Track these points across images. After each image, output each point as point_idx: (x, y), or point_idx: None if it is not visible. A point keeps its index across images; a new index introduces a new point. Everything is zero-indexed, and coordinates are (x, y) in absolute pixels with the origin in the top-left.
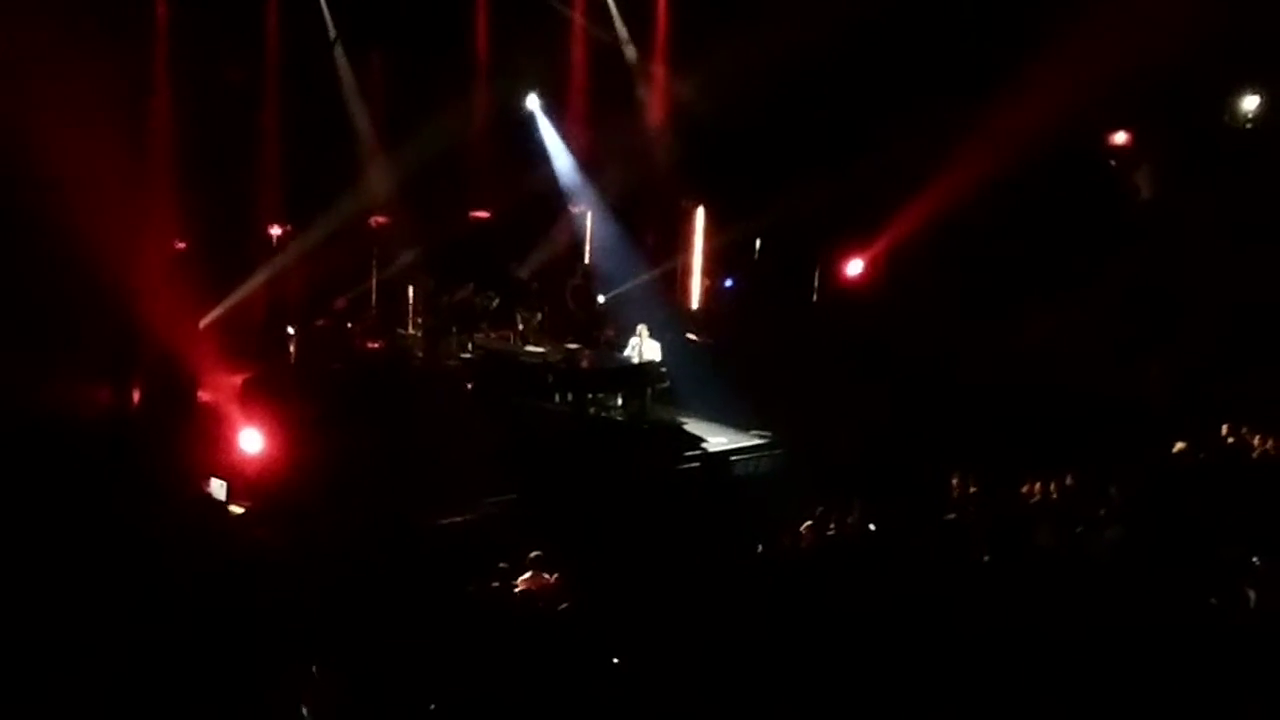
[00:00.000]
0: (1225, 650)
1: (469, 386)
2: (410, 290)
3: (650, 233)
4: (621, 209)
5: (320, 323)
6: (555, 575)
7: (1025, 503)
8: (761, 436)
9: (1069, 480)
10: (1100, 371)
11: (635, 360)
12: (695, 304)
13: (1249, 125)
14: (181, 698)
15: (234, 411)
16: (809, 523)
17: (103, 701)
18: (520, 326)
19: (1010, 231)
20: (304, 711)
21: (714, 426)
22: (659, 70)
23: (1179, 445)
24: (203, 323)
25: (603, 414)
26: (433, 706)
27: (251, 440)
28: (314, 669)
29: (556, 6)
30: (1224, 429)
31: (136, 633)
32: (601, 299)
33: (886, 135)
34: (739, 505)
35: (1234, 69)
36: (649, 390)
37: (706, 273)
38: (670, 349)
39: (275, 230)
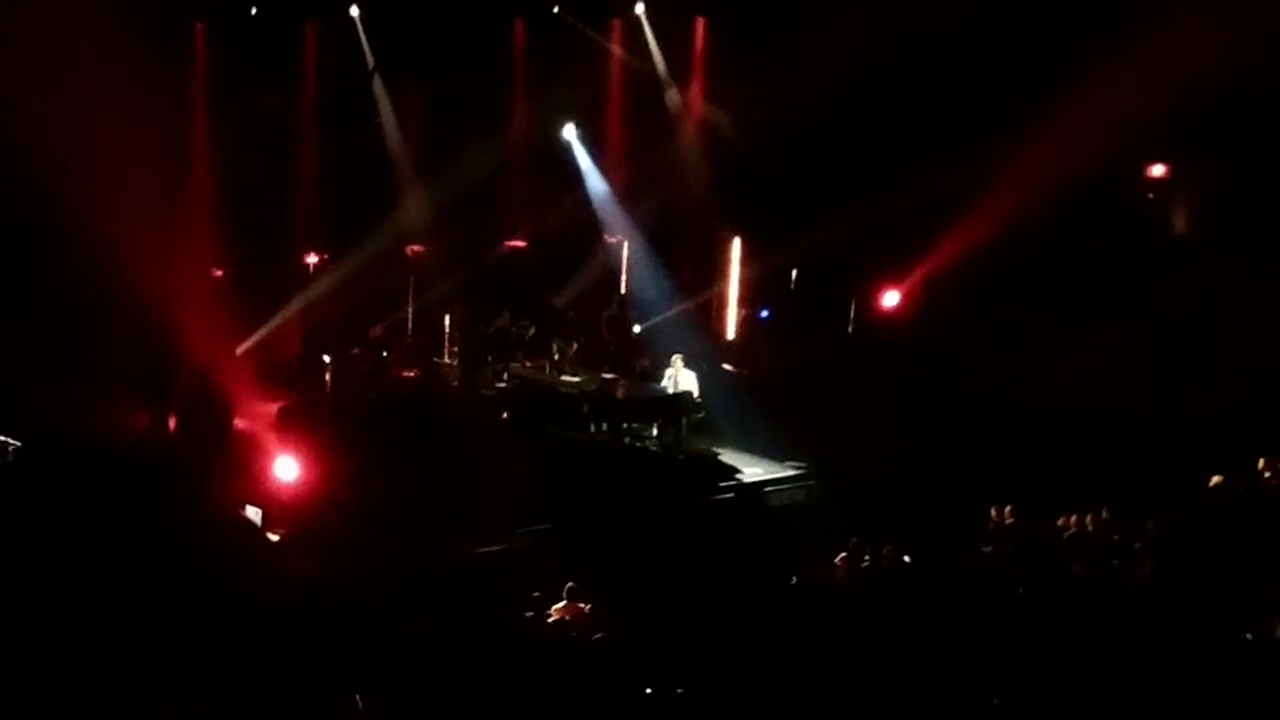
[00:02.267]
0: (1260, 685)
1: (504, 415)
2: (446, 319)
3: (686, 263)
4: (657, 239)
5: (356, 351)
6: (589, 605)
7: (1061, 535)
8: (796, 467)
9: (1105, 513)
10: (1137, 404)
11: (670, 390)
12: (731, 334)
13: None
14: None
15: (269, 439)
16: (844, 554)
17: None
18: (556, 356)
19: (1047, 264)
20: None
21: (749, 457)
22: (695, 101)
23: (1215, 479)
24: (239, 350)
25: (638, 444)
26: None
27: (287, 468)
28: (356, 698)
29: (594, 37)
30: (1261, 463)
31: (175, 660)
32: (637, 328)
33: (922, 167)
34: (774, 536)
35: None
36: (684, 420)
37: (742, 303)
38: (706, 379)
39: (312, 258)
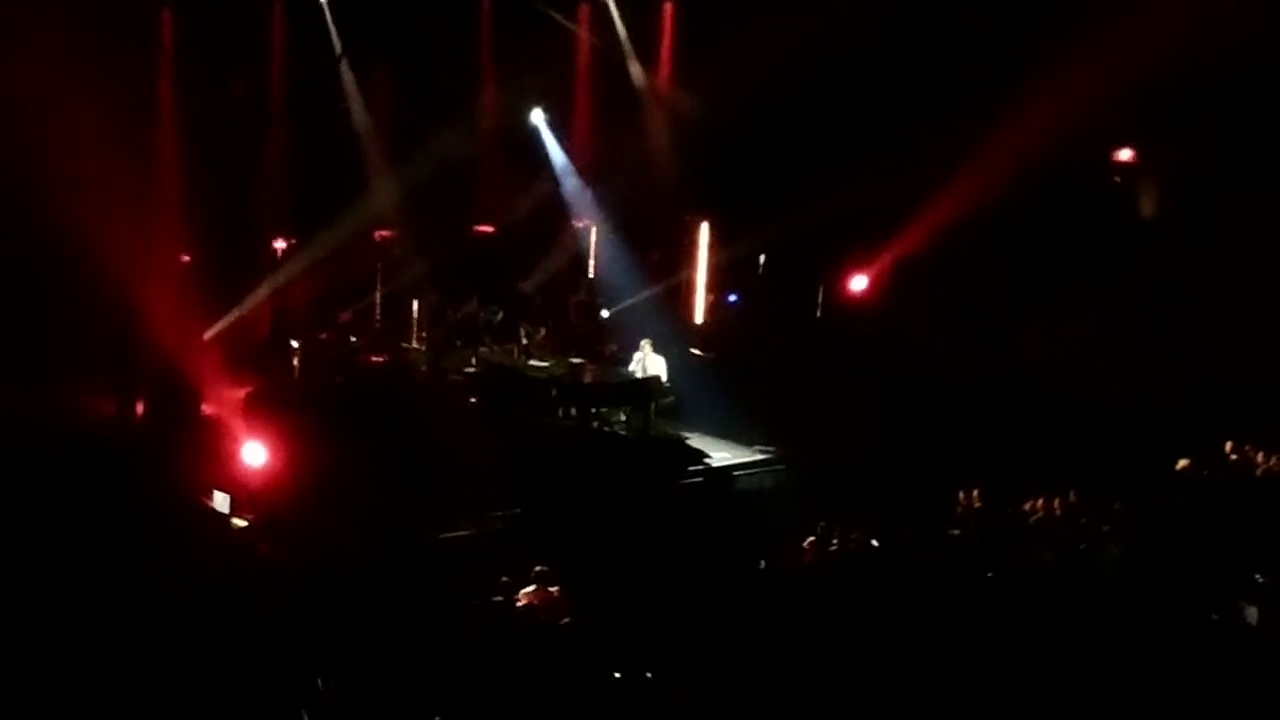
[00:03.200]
0: (1227, 666)
1: (473, 401)
2: (414, 304)
3: (654, 248)
4: (626, 224)
5: (324, 336)
6: (557, 590)
7: (1029, 519)
8: (765, 452)
9: (1073, 497)
10: (1104, 388)
11: (639, 375)
12: (699, 319)
13: None
14: (187, 705)
15: (237, 424)
16: (812, 538)
17: (110, 709)
18: (524, 341)
19: (1014, 247)
20: None
21: (717, 441)
22: (664, 85)
23: (1183, 462)
24: (207, 335)
25: (606, 428)
26: (437, 716)
27: (254, 454)
28: (319, 681)
29: (562, 22)
30: (1228, 446)
31: (141, 644)
32: (605, 313)
33: (890, 152)
34: (742, 520)
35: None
36: (652, 405)
37: (710, 288)
38: (674, 364)
39: (280, 244)
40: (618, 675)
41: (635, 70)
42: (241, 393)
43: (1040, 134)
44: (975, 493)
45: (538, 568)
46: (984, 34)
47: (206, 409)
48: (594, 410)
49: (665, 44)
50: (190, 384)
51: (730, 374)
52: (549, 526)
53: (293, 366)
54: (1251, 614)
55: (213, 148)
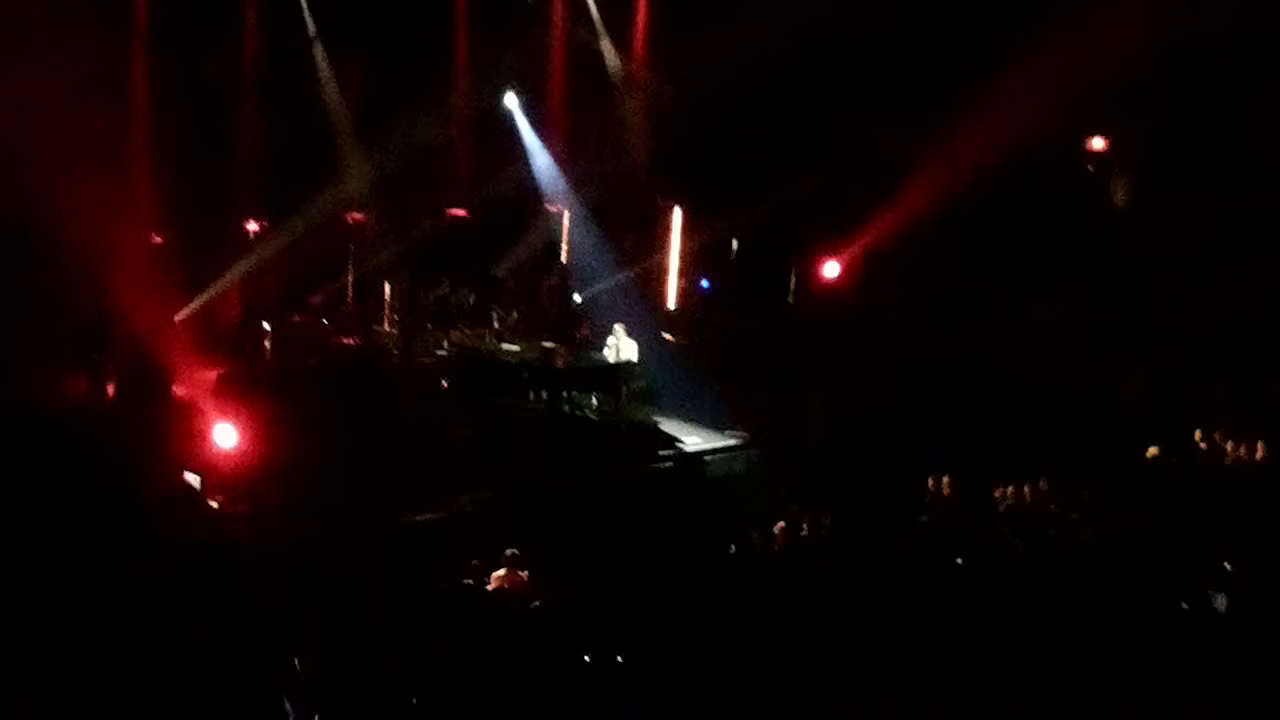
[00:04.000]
0: (1195, 654)
1: (444, 384)
2: (386, 287)
3: (627, 232)
4: (598, 208)
5: (296, 319)
6: (527, 573)
7: (999, 506)
8: (736, 436)
9: (1042, 484)
10: (1074, 375)
11: (611, 359)
12: (672, 304)
13: None
14: (160, 687)
15: (208, 406)
16: (782, 523)
17: (82, 692)
18: (496, 324)
19: (986, 234)
20: (285, 704)
21: (689, 426)
22: (637, 69)
23: (1152, 450)
24: (178, 317)
25: (578, 413)
26: (414, 700)
27: (225, 435)
28: (295, 661)
29: (536, 5)
30: (1197, 434)
31: (116, 624)
32: (578, 298)
33: (864, 137)
34: (713, 505)
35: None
36: (624, 389)
37: (683, 273)
38: (646, 349)
39: (252, 225)
40: (587, 659)
41: (609, 54)
42: (213, 374)
43: (1013, 122)
44: (945, 480)
45: (509, 551)
46: (957, 21)
47: (178, 390)
48: (565, 394)
49: (639, 28)
50: (161, 365)
51: (702, 359)
52: (520, 510)
53: (264, 349)
54: (1220, 602)
55: (185, 129)
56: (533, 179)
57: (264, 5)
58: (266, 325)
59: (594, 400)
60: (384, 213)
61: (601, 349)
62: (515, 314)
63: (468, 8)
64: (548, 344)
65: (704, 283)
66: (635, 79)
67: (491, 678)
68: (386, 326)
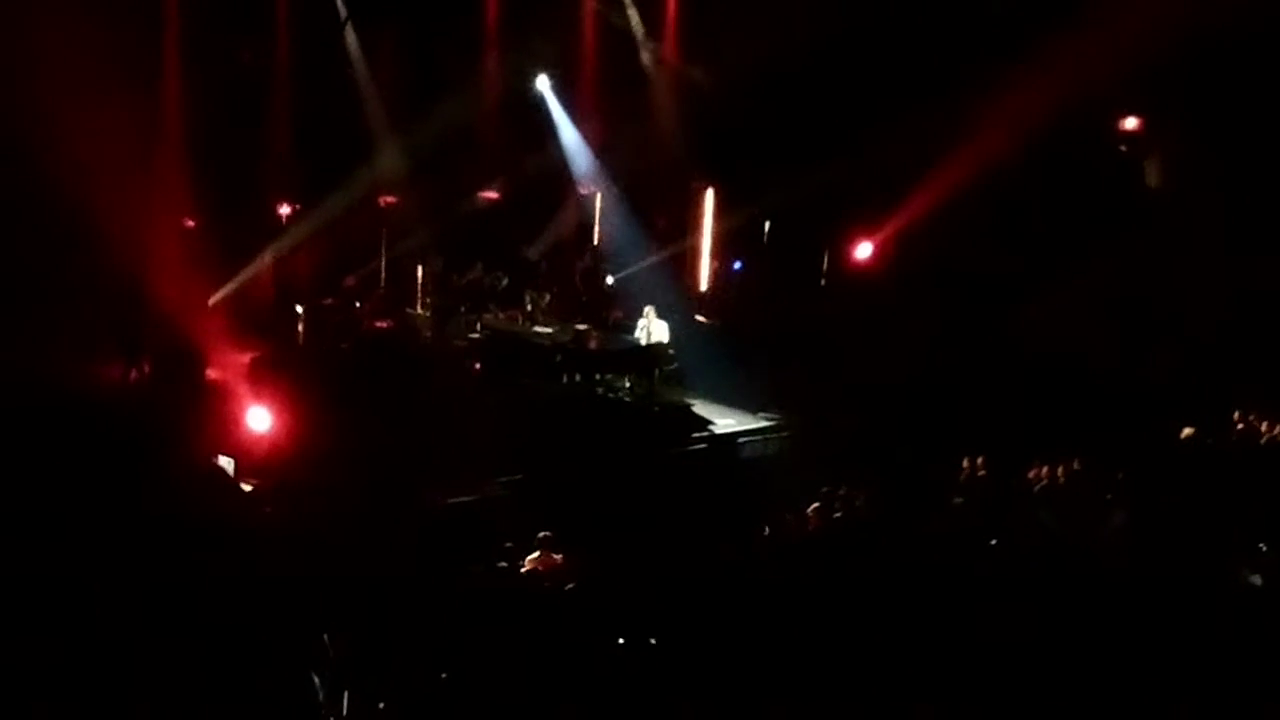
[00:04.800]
0: (1231, 635)
1: (477, 366)
2: (419, 270)
3: (659, 214)
4: (631, 190)
5: (329, 302)
6: (561, 556)
7: (1032, 487)
8: (769, 418)
9: (1076, 465)
10: (1109, 357)
11: (643, 341)
12: (704, 286)
13: None
14: (192, 666)
15: (242, 390)
16: (815, 505)
17: (117, 672)
18: (529, 307)
19: (1019, 215)
20: (315, 681)
21: (722, 408)
22: (670, 52)
23: (1187, 430)
24: (212, 301)
25: (610, 395)
26: (443, 675)
27: (259, 419)
28: (325, 639)
29: None
30: (1233, 415)
31: (147, 605)
32: (610, 280)
33: (895, 119)
34: (746, 487)
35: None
36: (657, 371)
37: (715, 255)
38: (679, 330)
39: (285, 209)
40: (621, 641)
41: (641, 37)
42: (246, 358)
43: (1046, 102)
44: (979, 461)
45: (542, 533)
46: (991, 3)
47: (211, 374)
48: (598, 377)
49: (671, 10)
50: (195, 349)
51: (734, 341)
52: (553, 493)
53: (297, 332)
54: (1256, 582)
55: (217, 113)
56: (565, 161)
57: None
58: (299, 309)
59: (627, 382)
60: (417, 196)
61: (634, 331)
62: (548, 296)
63: None
64: (580, 326)
65: (736, 264)
66: (667, 61)
67: (524, 658)
68: (419, 309)
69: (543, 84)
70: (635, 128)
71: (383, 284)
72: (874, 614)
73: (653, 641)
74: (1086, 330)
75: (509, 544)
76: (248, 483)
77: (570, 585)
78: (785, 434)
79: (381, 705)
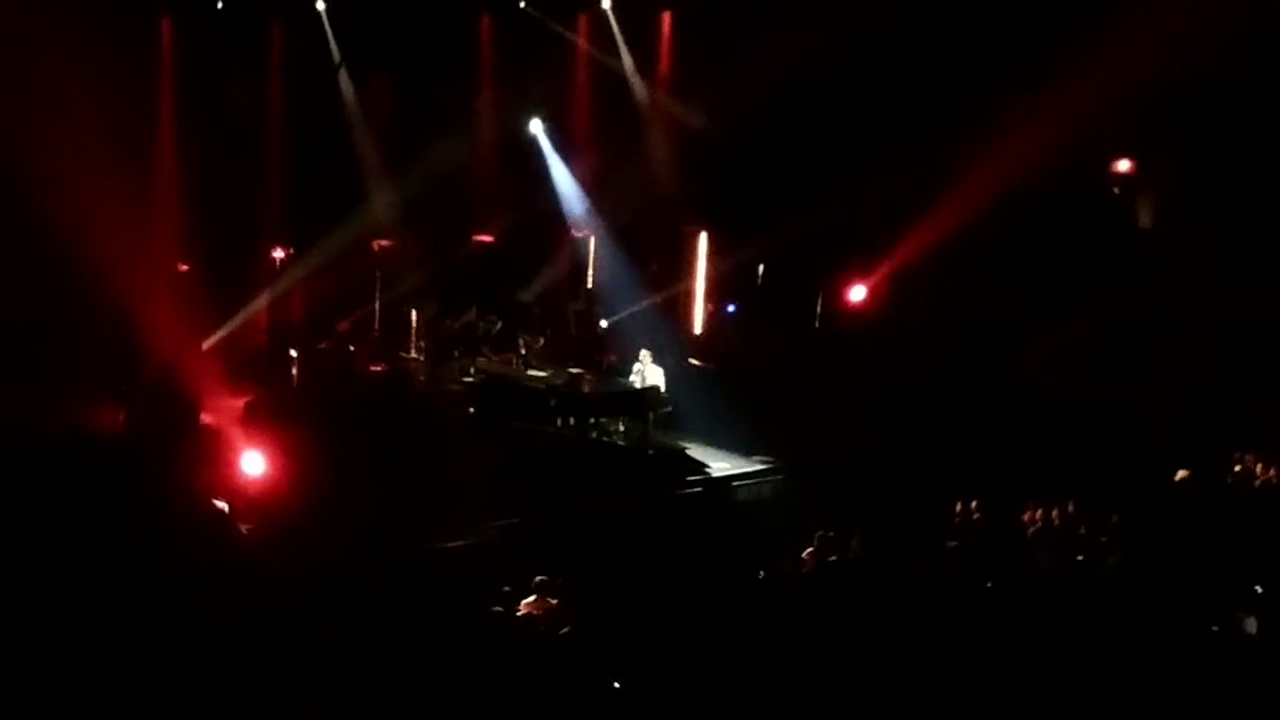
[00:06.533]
0: (1226, 678)
1: (471, 410)
2: (413, 313)
3: (653, 257)
4: (624, 233)
5: (322, 345)
6: (557, 600)
7: (1027, 529)
8: (764, 462)
9: (1071, 507)
10: (1103, 398)
11: (638, 385)
12: (698, 329)
13: None
14: (190, 713)
15: (236, 434)
16: (811, 548)
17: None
18: (523, 350)
19: (1012, 256)
20: None
21: (716, 451)
22: (662, 95)
23: (1181, 473)
24: (205, 344)
25: (605, 439)
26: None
27: (253, 462)
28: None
29: (561, 31)
30: (1226, 457)
31: (143, 649)
32: (604, 323)
33: (888, 162)
34: (741, 530)
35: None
36: (651, 415)
37: (709, 298)
38: (673, 374)
39: (278, 252)
40: (617, 685)
41: (634, 79)
42: (240, 402)
43: (1038, 144)
44: (974, 503)
45: (538, 578)
46: (983, 43)
47: (205, 418)
48: (593, 420)
49: (664, 53)
50: (189, 393)
51: (729, 384)
52: (548, 537)
53: (291, 375)
54: (1251, 625)
55: (211, 156)
56: (559, 204)
57: (289, 32)
58: (293, 352)
59: (621, 426)
60: (410, 239)
61: (628, 375)
62: (542, 340)
63: (493, 33)
64: (574, 370)
65: (730, 307)
66: (660, 103)
67: (520, 704)
68: (413, 353)
69: (536, 127)
70: (629, 170)
71: (377, 328)
72: (869, 656)
73: (649, 685)
74: (1080, 371)
75: (507, 588)
76: (243, 527)
77: (565, 630)
78: (780, 477)
79: None
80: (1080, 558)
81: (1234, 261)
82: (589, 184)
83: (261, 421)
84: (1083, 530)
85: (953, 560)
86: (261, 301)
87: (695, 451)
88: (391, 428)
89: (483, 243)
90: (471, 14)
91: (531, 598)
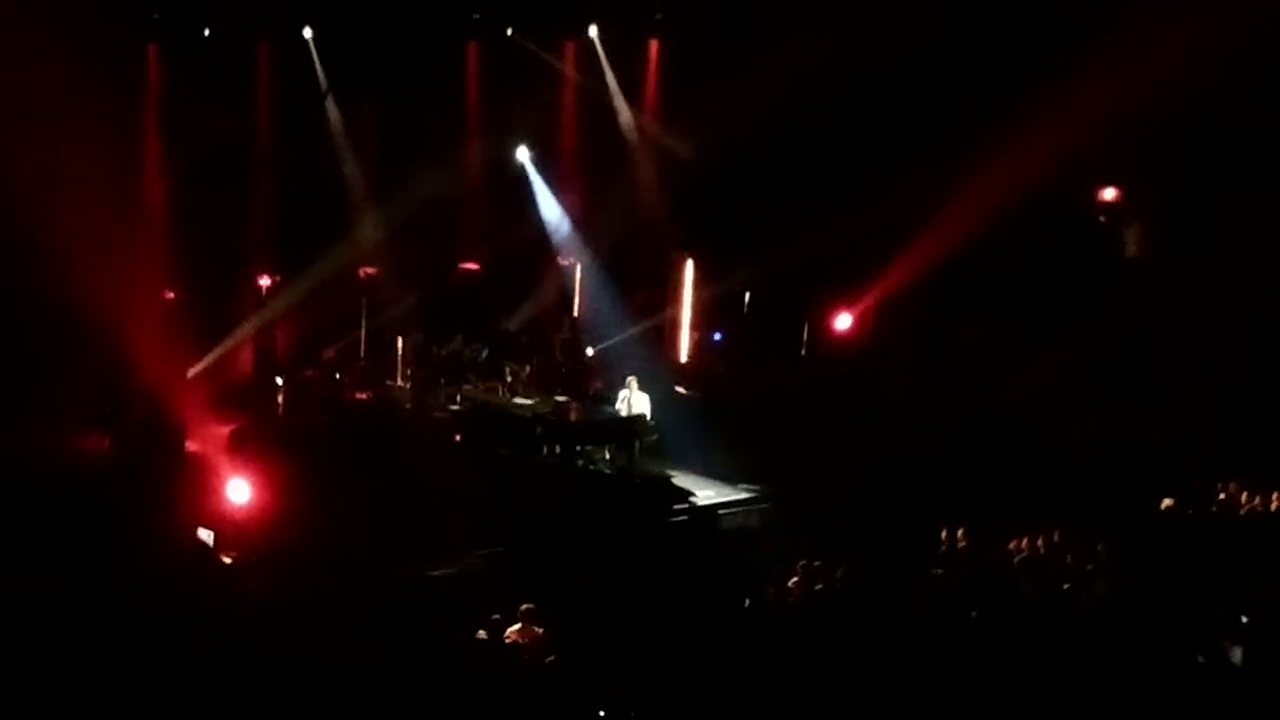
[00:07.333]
0: (1212, 708)
1: (457, 438)
2: (399, 341)
3: (639, 285)
4: (610, 261)
5: (309, 373)
6: (543, 628)
7: (1013, 558)
8: (750, 490)
9: (1056, 535)
10: (1089, 426)
11: (624, 413)
12: (684, 357)
13: None
14: None
15: (222, 462)
16: (796, 577)
17: None
18: (509, 378)
19: (999, 285)
20: None
21: (702, 480)
22: (649, 123)
23: (1167, 501)
24: (191, 372)
25: (591, 467)
26: None
27: (239, 491)
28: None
29: (548, 59)
30: (1214, 486)
31: (127, 680)
32: (590, 351)
33: (875, 189)
34: (727, 559)
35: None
36: (637, 443)
37: (695, 326)
38: (659, 402)
39: (264, 280)
40: (602, 715)
41: (621, 108)
42: (226, 430)
43: (1025, 173)
44: (959, 532)
45: (524, 606)
46: (970, 74)
47: (191, 446)
48: (578, 448)
49: (651, 82)
50: (175, 421)
51: (715, 412)
52: (534, 565)
53: (277, 404)
54: (1236, 654)
55: (198, 183)
56: (545, 232)
57: (276, 60)
58: (279, 380)
59: (607, 454)
60: (396, 267)
61: (614, 402)
62: (528, 368)
63: (480, 62)
64: (560, 398)
65: (716, 335)
66: (647, 132)
67: None
68: (399, 381)
69: (523, 155)
70: (615, 198)
71: (363, 356)
72: (855, 685)
73: (633, 715)
74: (1066, 400)
75: (496, 616)
76: (228, 555)
77: (551, 658)
78: (766, 505)
79: None
80: (1066, 586)
81: (1220, 288)
82: (575, 212)
83: (247, 449)
84: (1069, 559)
85: (939, 588)
86: (247, 329)
87: (681, 479)
88: (377, 456)
89: (469, 270)
90: (458, 42)
91: (517, 626)
